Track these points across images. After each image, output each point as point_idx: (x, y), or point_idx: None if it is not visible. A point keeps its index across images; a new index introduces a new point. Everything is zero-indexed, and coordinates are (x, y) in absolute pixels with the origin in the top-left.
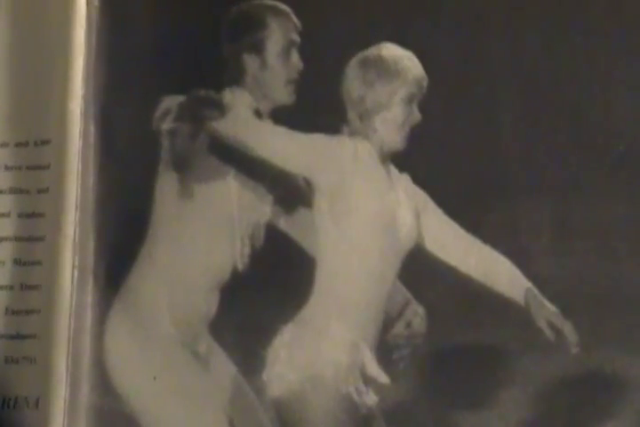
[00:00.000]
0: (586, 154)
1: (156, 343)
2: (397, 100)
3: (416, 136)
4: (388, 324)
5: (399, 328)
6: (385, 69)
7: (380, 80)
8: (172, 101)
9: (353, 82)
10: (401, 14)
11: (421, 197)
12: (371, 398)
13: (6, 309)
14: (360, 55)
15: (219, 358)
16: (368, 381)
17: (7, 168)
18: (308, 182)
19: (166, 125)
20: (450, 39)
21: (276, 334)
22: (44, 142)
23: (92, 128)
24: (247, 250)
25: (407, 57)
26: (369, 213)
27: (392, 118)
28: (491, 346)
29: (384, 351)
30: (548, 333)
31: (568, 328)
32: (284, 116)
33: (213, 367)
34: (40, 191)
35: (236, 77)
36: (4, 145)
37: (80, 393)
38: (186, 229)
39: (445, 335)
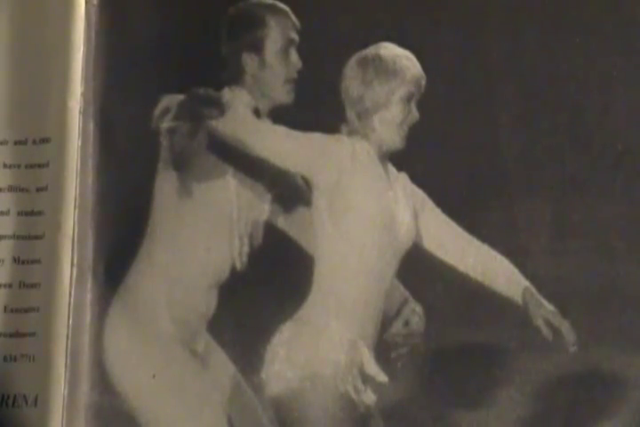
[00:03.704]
0: (584, 154)
1: (155, 341)
2: (396, 99)
3: (414, 135)
4: (386, 322)
5: (397, 327)
6: (383, 69)
7: (379, 79)
8: (171, 100)
9: (352, 81)
10: (399, 13)
11: (419, 196)
12: (369, 397)
13: (5, 307)
14: (359, 54)
15: (217, 356)
16: (366, 379)
17: (6, 166)
18: (306, 181)
19: (165, 124)
20: (448, 38)
21: (275, 333)
22: (44, 140)
23: (91, 126)
24: (246, 248)
25: (406, 56)
26: (367, 211)
27: (390, 117)
28: (488, 345)
29: (382, 350)
30: (546, 332)
31: (566, 327)
32: (283, 115)
33: (212, 366)
34: (39, 189)
35: (235, 76)
36: (3, 143)
37: (79, 391)
38: (185, 228)
39: (443, 334)
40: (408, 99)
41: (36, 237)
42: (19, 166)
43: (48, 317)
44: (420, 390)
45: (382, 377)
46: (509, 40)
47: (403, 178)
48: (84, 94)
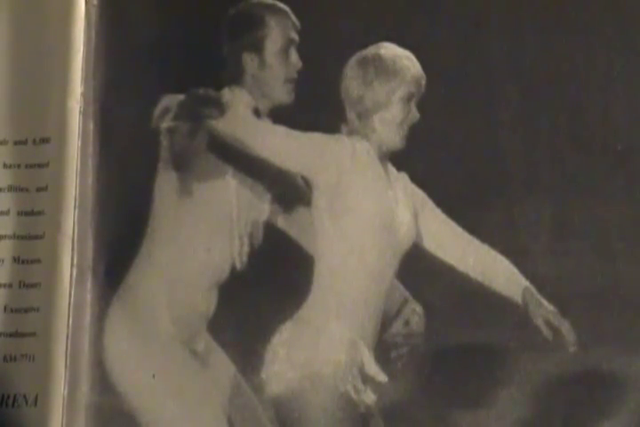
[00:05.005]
0: (584, 153)
1: (155, 341)
2: (396, 99)
3: (414, 135)
4: (386, 322)
5: (397, 327)
6: (384, 69)
7: (379, 79)
8: (171, 100)
9: (352, 81)
10: (400, 13)
11: (419, 196)
12: (369, 397)
13: (5, 307)
14: (359, 54)
15: (217, 356)
16: (366, 379)
17: (6, 166)
18: (306, 181)
19: (165, 124)
20: (448, 38)
21: (275, 333)
22: (44, 140)
23: (91, 126)
24: (246, 248)
25: (406, 56)
26: (367, 211)
27: (391, 117)
28: (488, 345)
29: (382, 350)
30: (546, 332)
31: (566, 327)
32: (283, 116)
33: (212, 366)
34: (39, 189)
35: (235, 76)
36: (4, 143)
37: (79, 391)
38: (185, 228)
39: (443, 334)
40: (408, 99)
41: (36, 237)
42: (19, 166)
43: (48, 317)
44: (420, 390)
45: (382, 377)
46: (509, 40)
47: (403, 178)
48: (83, 94)
